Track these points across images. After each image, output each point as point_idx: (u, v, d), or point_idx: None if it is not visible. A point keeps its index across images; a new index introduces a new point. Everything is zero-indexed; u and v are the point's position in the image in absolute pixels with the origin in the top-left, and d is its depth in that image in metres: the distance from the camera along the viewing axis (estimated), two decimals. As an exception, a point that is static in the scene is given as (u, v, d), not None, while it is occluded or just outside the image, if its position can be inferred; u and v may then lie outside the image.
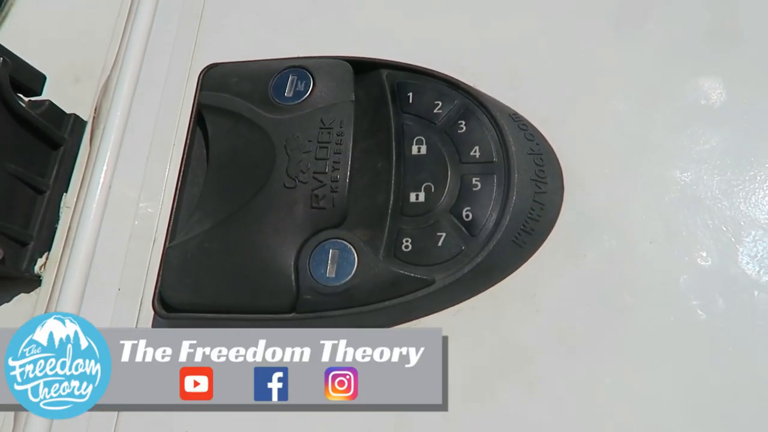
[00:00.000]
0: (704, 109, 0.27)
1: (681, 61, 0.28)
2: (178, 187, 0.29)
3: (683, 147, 0.27)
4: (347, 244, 0.26)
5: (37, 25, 0.43)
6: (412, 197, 0.27)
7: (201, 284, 0.26)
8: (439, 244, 0.26)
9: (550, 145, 0.28)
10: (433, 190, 0.27)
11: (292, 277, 0.26)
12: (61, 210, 0.35)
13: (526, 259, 0.27)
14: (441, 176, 0.27)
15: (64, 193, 0.35)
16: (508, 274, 0.26)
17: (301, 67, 0.30)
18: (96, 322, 0.29)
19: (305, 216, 0.26)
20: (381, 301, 0.25)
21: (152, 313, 0.28)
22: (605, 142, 0.28)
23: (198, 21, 0.36)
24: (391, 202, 0.27)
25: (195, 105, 0.31)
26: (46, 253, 0.34)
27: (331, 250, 0.26)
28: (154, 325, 0.29)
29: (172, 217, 0.29)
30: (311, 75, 0.29)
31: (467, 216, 0.26)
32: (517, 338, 0.25)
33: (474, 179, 0.27)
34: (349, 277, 0.25)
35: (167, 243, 0.28)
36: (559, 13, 0.31)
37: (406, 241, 0.26)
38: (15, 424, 0.29)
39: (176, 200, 0.29)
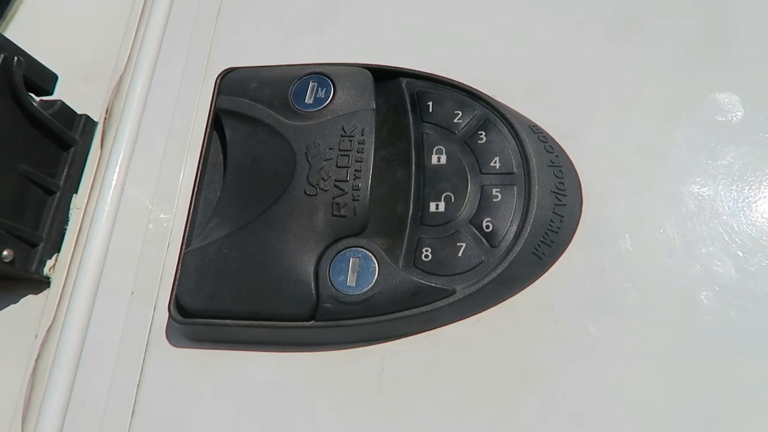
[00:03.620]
0: (722, 125, 0.28)
1: (700, 77, 0.29)
2: (195, 192, 0.29)
3: (701, 162, 0.27)
4: (368, 252, 0.26)
5: (45, 22, 0.42)
6: (432, 207, 0.27)
7: (219, 290, 0.26)
8: (459, 254, 0.26)
9: (569, 158, 0.28)
10: (453, 200, 0.27)
11: (312, 284, 0.25)
12: (70, 211, 0.34)
13: (546, 271, 0.27)
14: (461, 186, 0.27)
15: (74, 194, 0.35)
16: (528, 285, 0.27)
17: (322, 74, 0.30)
18: (108, 324, 0.29)
19: (326, 224, 0.26)
20: (401, 310, 0.25)
21: (167, 317, 0.28)
22: (624, 155, 0.28)
23: (214, 22, 0.36)
24: (411, 211, 0.27)
25: (212, 109, 0.31)
26: (55, 255, 0.33)
27: (351, 259, 0.26)
28: (168, 330, 0.28)
29: (189, 221, 0.28)
30: (332, 82, 0.29)
31: (488, 227, 0.26)
32: (536, 349, 0.25)
33: (494, 190, 0.27)
34: (370, 286, 0.25)
35: (184, 248, 0.28)
36: (581, 28, 0.31)
37: (426, 251, 0.26)
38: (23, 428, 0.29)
39: (192, 205, 0.29)
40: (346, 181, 0.27)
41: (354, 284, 0.25)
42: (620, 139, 0.28)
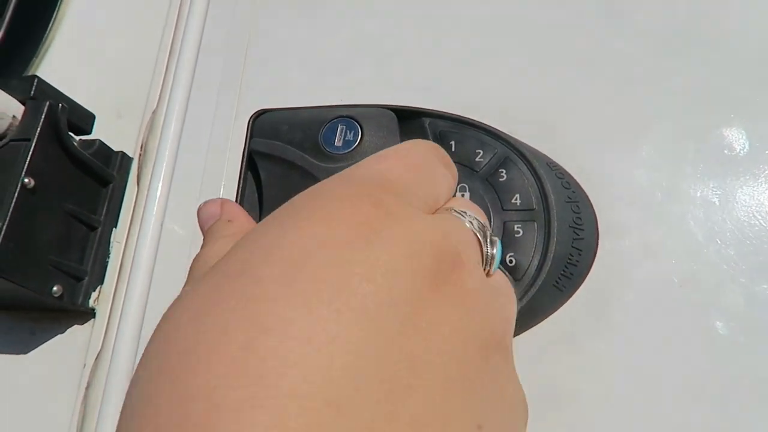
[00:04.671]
0: (729, 158, 0.30)
1: (708, 110, 0.30)
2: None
3: (710, 194, 0.29)
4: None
5: (76, 60, 0.44)
6: (458, 242, 0.29)
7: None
8: (485, 287, 0.28)
9: (585, 192, 0.30)
10: (477, 236, 0.29)
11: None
12: (111, 245, 0.36)
13: (565, 302, 0.29)
14: (484, 222, 0.29)
15: (114, 229, 0.37)
16: (548, 316, 0.28)
17: (350, 117, 0.31)
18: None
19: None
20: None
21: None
22: (636, 188, 0.30)
23: (243, 60, 0.38)
24: (438, 246, 0.29)
25: (246, 150, 0.33)
26: (99, 287, 0.35)
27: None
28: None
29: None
30: (359, 125, 0.31)
31: (511, 261, 0.28)
32: (557, 379, 0.27)
33: (516, 226, 0.29)
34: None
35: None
36: (592, 64, 0.33)
37: (454, 285, 0.28)
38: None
39: (232, 243, 0.31)
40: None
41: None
42: (634, 173, 0.30)
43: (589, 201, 0.30)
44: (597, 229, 0.30)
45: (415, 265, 0.15)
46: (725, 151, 0.30)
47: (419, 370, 0.13)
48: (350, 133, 0.31)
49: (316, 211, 0.15)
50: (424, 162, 0.19)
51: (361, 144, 0.31)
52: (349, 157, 0.30)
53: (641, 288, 0.28)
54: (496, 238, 0.19)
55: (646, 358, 0.27)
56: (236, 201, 0.32)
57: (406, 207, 0.16)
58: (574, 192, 0.30)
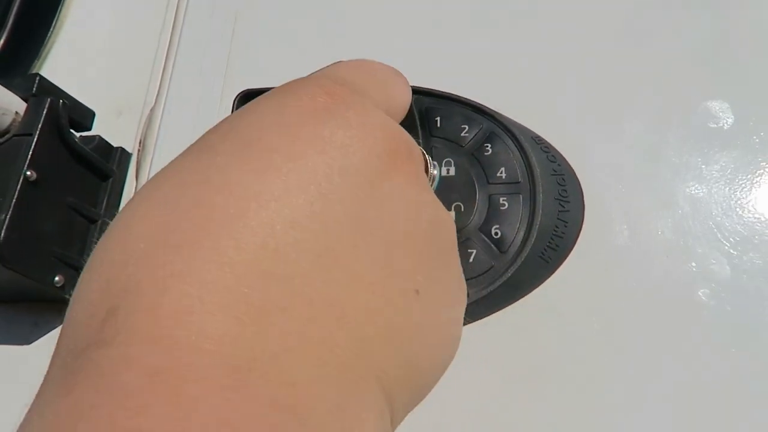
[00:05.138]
0: (713, 131, 0.29)
1: (693, 84, 0.30)
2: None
3: (695, 166, 0.29)
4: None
5: (77, 62, 0.46)
6: (444, 217, 0.29)
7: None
8: (470, 260, 0.28)
9: (570, 166, 0.30)
10: (462, 209, 0.29)
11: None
12: (112, 237, 0.37)
13: (551, 274, 0.28)
14: (470, 196, 0.29)
15: (114, 221, 0.38)
16: (534, 288, 0.28)
17: (336, 99, 0.32)
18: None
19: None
20: (418, 315, 0.27)
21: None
22: (621, 161, 0.30)
23: (229, 45, 0.39)
24: (424, 222, 0.29)
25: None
26: (100, 278, 0.36)
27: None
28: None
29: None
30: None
31: (496, 233, 0.28)
32: (544, 350, 0.27)
33: (501, 199, 0.29)
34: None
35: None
36: (576, 39, 0.33)
37: (440, 259, 0.28)
38: None
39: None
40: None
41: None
42: (618, 146, 0.30)
43: (575, 174, 0.30)
44: (583, 202, 0.29)
45: (370, 143, 0.15)
46: (710, 124, 0.30)
47: (365, 232, 0.14)
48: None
49: (272, 102, 0.16)
50: (379, 69, 0.20)
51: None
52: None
53: (628, 260, 0.28)
54: (435, 163, 0.20)
55: (632, 330, 0.27)
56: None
57: (362, 100, 0.17)
58: (559, 165, 0.30)
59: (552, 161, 0.30)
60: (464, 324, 0.29)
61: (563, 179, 0.29)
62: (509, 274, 0.27)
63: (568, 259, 0.28)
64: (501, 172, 0.29)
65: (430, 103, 0.32)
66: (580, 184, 0.30)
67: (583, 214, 0.29)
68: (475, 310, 0.28)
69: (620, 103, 0.31)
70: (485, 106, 0.31)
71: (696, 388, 0.25)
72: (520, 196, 0.29)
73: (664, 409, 0.25)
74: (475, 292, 0.27)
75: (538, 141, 0.30)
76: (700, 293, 0.26)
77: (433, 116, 0.31)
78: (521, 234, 0.28)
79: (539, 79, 0.33)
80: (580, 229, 0.29)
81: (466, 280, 0.28)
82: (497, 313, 0.28)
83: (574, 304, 0.27)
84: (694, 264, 0.27)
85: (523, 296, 0.28)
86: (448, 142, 0.31)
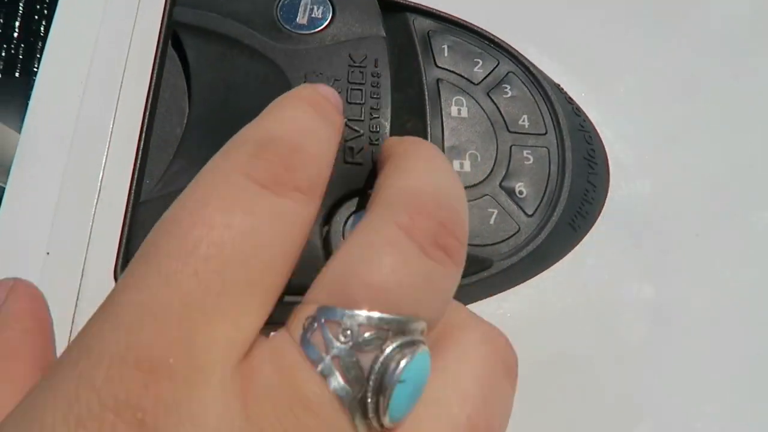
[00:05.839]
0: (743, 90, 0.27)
1: (724, 50, 0.28)
2: (143, 129, 0.22)
3: (722, 136, 0.26)
4: (389, 213, 0.21)
5: None
6: (456, 165, 0.23)
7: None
8: (491, 221, 0.22)
9: (592, 123, 0.26)
10: (479, 159, 0.23)
11: (321, 251, 0.20)
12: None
13: (577, 244, 0.24)
14: (487, 144, 0.23)
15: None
16: (560, 259, 0.23)
17: (318, -10, 0.24)
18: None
19: (335, 173, 0.21)
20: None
21: (105, 284, 0.20)
22: (646, 127, 0.26)
23: None
24: (430, 169, 0.22)
25: (164, 23, 0.23)
26: None
27: (369, 220, 0.20)
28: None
29: (137, 166, 0.21)
30: (330, 1, 0.24)
31: (521, 192, 0.23)
32: (569, 325, 0.22)
33: (525, 152, 0.23)
34: (393, 255, 0.20)
35: (132, 198, 0.20)
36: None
37: (452, 217, 0.22)
38: None
39: (141, 145, 0.21)
40: (361, 120, 0.21)
41: (373, 252, 0.20)
42: (644, 110, 0.26)
43: (598, 133, 0.26)
44: (608, 164, 0.25)
45: None
46: (743, 91, 0.27)
47: None
48: (318, 10, 0.23)
49: None
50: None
51: (332, 25, 0.23)
52: (316, 39, 0.23)
53: (657, 230, 0.24)
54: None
55: (662, 300, 0.23)
56: (150, 89, 0.22)
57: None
58: (585, 121, 0.25)
59: (578, 115, 0.25)
60: (483, 297, 0.23)
61: (590, 137, 0.25)
62: (538, 242, 0.22)
63: (593, 227, 0.24)
64: (523, 120, 0.24)
65: (434, 27, 0.25)
66: (603, 145, 0.25)
67: (608, 181, 0.25)
68: (500, 282, 0.22)
69: (648, 60, 0.27)
70: (503, 40, 0.25)
71: (721, 353, 0.22)
72: (547, 150, 0.24)
73: (688, 375, 0.22)
74: (501, 260, 0.21)
75: (561, 90, 0.26)
76: (729, 274, 0.24)
77: (439, 43, 0.25)
78: (549, 195, 0.23)
79: (562, 24, 0.28)
80: (606, 197, 0.25)
81: (486, 245, 0.22)
82: (517, 286, 0.23)
83: (600, 280, 0.23)
84: (720, 243, 0.24)
85: (548, 267, 0.23)
86: (457, 76, 0.24)
